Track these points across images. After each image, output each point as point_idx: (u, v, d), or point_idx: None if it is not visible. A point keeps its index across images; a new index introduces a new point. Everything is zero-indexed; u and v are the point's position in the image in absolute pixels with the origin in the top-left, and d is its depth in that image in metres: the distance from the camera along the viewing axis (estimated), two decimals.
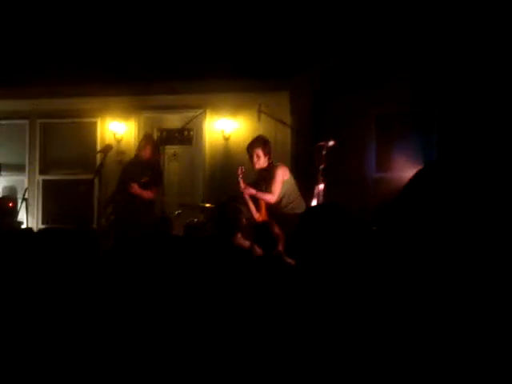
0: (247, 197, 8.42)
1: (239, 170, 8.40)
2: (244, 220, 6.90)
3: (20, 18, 12.88)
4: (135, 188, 8.81)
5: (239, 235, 6.61)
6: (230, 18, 11.91)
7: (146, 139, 9.59)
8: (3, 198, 11.54)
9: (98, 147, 11.69)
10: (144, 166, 9.09)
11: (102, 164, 9.10)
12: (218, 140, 12.02)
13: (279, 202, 8.24)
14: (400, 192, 2.43)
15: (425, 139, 11.08)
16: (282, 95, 11.45)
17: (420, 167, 2.56)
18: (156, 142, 9.66)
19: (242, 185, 8.39)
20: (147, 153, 9.14)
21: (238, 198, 10.00)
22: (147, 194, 8.94)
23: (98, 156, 10.12)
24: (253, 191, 8.39)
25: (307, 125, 11.20)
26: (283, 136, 11.32)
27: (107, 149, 9.50)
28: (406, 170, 8.37)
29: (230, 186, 10.93)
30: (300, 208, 8.07)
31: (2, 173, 12.84)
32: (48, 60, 12.49)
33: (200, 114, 11.89)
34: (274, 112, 10.80)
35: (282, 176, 8.32)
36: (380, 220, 3.32)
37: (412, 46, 10.82)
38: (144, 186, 9.01)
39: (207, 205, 10.10)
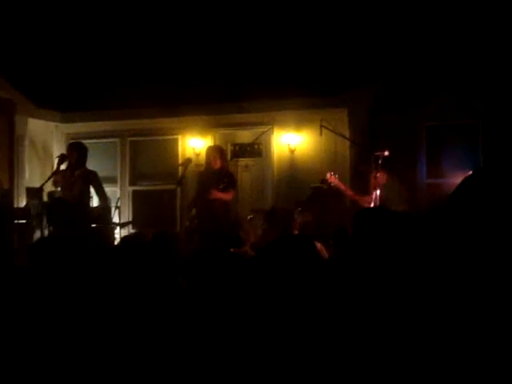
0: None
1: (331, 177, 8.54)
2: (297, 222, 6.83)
3: (110, 49, 13.22)
4: (215, 193, 8.79)
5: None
6: (291, 43, 12.02)
7: (213, 150, 9.37)
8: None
9: (180, 161, 11.85)
10: (218, 174, 9.02)
11: (183, 175, 9.25)
12: (284, 152, 12.11)
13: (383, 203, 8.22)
14: (450, 197, 2.43)
15: (471, 148, 10.98)
16: (341, 111, 11.49)
17: (468, 173, 2.55)
18: (222, 151, 9.45)
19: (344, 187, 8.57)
20: (217, 162, 9.03)
21: (303, 203, 10.10)
22: (226, 196, 8.91)
23: (180, 168, 10.28)
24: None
25: (364, 137, 11.20)
26: (343, 148, 11.40)
27: (187, 162, 9.61)
28: (454, 176, 8.31)
29: (296, 192, 11.05)
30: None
31: None
32: (136, 86, 12.78)
33: (268, 129, 12.01)
34: (334, 126, 10.85)
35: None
36: (431, 223, 3.29)
37: (458, 64, 10.73)
38: (222, 191, 8.96)
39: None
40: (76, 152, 8.90)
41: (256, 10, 12.47)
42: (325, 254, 6.12)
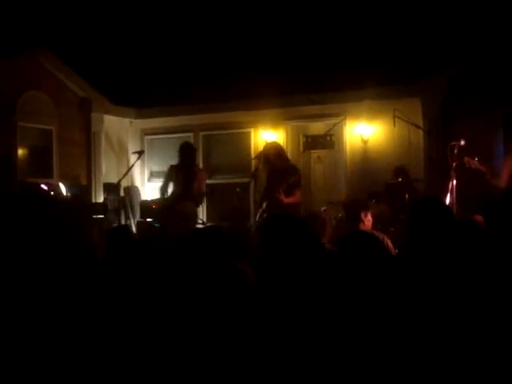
0: None
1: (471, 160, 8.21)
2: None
3: (183, 45, 13.41)
4: (281, 198, 8.56)
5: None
6: (362, 33, 11.93)
7: (270, 149, 9.09)
8: None
9: (253, 154, 11.89)
10: (281, 173, 8.72)
11: (256, 168, 9.20)
12: (357, 143, 12.02)
13: None
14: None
15: None
16: (414, 101, 11.31)
17: None
18: (279, 148, 9.14)
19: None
20: (277, 162, 8.77)
21: (377, 194, 10.00)
22: (292, 199, 8.67)
23: (253, 161, 10.31)
24: None
25: (438, 126, 11.01)
26: (417, 138, 11.22)
27: (261, 155, 9.55)
28: None
29: (370, 183, 10.96)
30: None
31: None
32: (209, 81, 12.94)
33: (340, 121, 11.92)
34: (408, 116, 10.67)
35: None
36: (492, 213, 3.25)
37: None
38: (287, 191, 8.70)
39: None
40: None
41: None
42: (391, 246, 6.04)
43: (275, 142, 9.64)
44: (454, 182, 8.21)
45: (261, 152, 9.66)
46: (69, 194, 10.38)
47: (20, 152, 11.29)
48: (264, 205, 9.06)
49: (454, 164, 8.19)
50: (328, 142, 12.30)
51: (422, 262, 3.12)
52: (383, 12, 11.99)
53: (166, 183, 9.37)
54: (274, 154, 8.68)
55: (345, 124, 12.06)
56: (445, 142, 8.88)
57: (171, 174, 9.28)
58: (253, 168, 9.94)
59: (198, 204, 9.26)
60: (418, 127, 10.75)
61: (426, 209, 3.35)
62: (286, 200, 8.42)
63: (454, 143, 8.30)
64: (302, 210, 9.24)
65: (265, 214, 9.16)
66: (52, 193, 9.91)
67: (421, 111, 11.34)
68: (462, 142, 8.25)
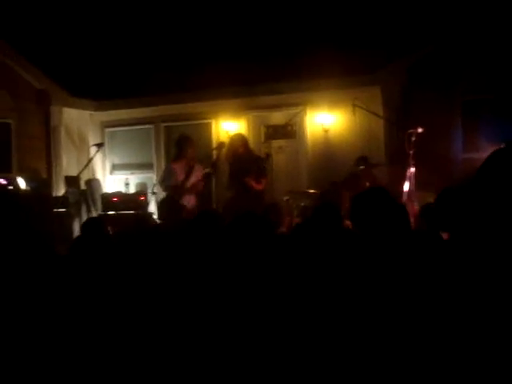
0: None
1: None
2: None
3: (140, 36, 13.31)
4: (253, 184, 8.88)
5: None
6: (322, 22, 11.96)
7: (238, 138, 9.46)
8: (136, 193, 11.91)
9: (214, 145, 11.90)
10: (250, 162, 9.07)
11: (217, 159, 9.32)
12: (318, 133, 12.06)
13: None
14: (478, 170, 2.41)
15: (507, 122, 10.79)
16: (374, 89, 11.37)
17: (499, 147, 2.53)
18: (245, 140, 9.51)
19: None
20: (244, 152, 9.17)
21: (339, 183, 10.07)
22: (258, 187, 9.00)
23: (214, 152, 10.33)
24: None
25: (398, 115, 11.10)
26: (377, 126, 11.30)
27: (221, 146, 9.75)
28: (490, 151, 8.20)
29: (332, 172, 11.01)
30: None
31: (135, 171, 13.33)
32: (169, 72, 12.88)
33: (301, 110, 11.96)
34: (368, 105, 10.78)
35: None
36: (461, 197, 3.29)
37: (492, 37, 10.55)
38: (255, 180, 9.02)
39: (311, 191, 10.19)
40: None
41: None
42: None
43: (241, 134, 9.92)
44: (412, 169, 8.32)
45: (221, 142, 9.87)
46: (28, 188, 10.27)
47: None
48: (230, 192, 9.19)
49: (412, 152, 8.31)
50: (289, 131, 12.33)
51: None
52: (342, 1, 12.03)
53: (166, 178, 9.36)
54: (241, 145, 8.99)
55: (305, 114, 12.08)
56: (404, 130, 8.98)
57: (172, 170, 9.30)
58: (213, 158, 9.99)
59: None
60: (378, 115, 10.84)
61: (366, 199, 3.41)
62: (256, 186, 8.68)
63: (411, 131, 8.42)
64: (266, 199, 9.40)
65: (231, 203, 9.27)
66: (10, 187, 9.80)
67: (381, 100, 11.41)
68: (420, 130, 8.36)
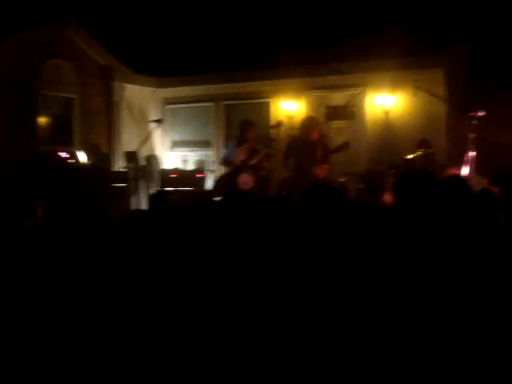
0: None
1: None
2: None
3: (204, 15, 13.37)
4: (316, 171, 8.80)
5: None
6: (384, 2, 11.79)
7: (311, 122, 9.37)
8: (194, 170, 12.01)
9: (271, 123, 11.90)
10: (313, 146, 8.99)
11: (272, 138, 9.37)
12: (378, 114, 11.93)
13: None
14: None
15: None
16: (437, 71, 11.18)
17: None
18: (318, 123, 9.44)
19: None
20: (315, 134, 9.06)
21: (398, 165, 9.94)
22: (321, 173, 8.91)
23: (271, 131, 10.33)
24: None
25: (460, 97, 10.87)
26: (437, 109, 11.09)
27: (279, 124, 9.77)
28: None
29: (391, 154, 10.88)
30: None
31: (193, 148, 13.45)
32: (230, 50, 12.92)
33: (361, 91, 11.85)
34: (429, 87, 10.60)
35: None
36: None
37: None
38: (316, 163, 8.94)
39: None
40: None
41: None
42: None
43: (313, 117, 9.89)
44: (472, 153, 8.15)
45: (279, 121, 9.88)
46: (88, 162, 10.47)
47: (41, 120, 11.39)
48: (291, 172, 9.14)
49: (472, 135, 8.13)
50: (349, 112, 12.23)
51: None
52: None
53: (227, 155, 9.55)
54: (314, 130, 8.92)
55: (365, 95, 11.97)
56: (466, 113, 8.78)
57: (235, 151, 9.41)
58: (270, 136, 10.01)
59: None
60: (440, 98, 10.65)
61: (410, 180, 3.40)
62: (320, 174, 8.64)
63: (472, 114, 8.23)
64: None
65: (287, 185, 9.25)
66: (71, 160, 10.01)
67: (443, 82, 11.21)
68: (481, 113, 8.17)
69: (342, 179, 10.11)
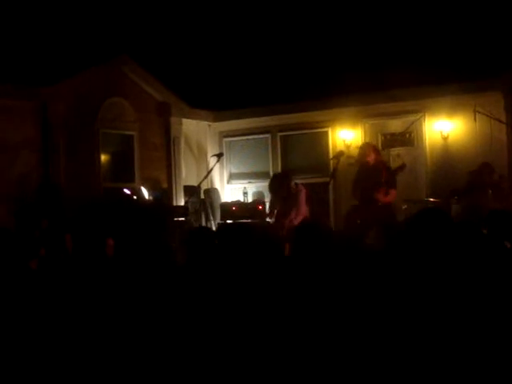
0: None
1: None
2: None
3: (257, 48, 13.55)
4: (378, 196, 8.68)
5: None
6: (440, 28, 11.78)
7: (368, 146, 9.34)
8: (254, 202, 12.09)
9: (331, 154, 11.92)
10: (373, 171, 8.89)
11: (335, 168, 9.26)
12: (437, 140, 11.86)
13: None
14: None
15: None
16: (496, 94, 11.06)
17: None
18: (374, 148, 9.36)
19: None
20: (372, 158, 8.98)
21: (459, 191, 9.85)
22: (386, 199, 8.76)
23: (331, 161, 10.33)
24: None
25: None
26: (499, 133, 10.98)
27: (339, 154, 9.62)
28: None
29: (451, 180, 10.80)
30: None
31: (252, 180, 13.54)
32: (284, 81, 13.04)
33: (419, 117, 11.79)
34: (489, 110, 10.51)
35: None
36: None
37: None
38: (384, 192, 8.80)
39: (431, 199, 10.03)
40: None
41: None
42: None
43: (369, 143, 9.85)
44: None
45: (340, 151, 9.81)
46: (150, 198, 10.65)
47: (103, 158, 11.64)
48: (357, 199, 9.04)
49: None
50: (407, 139, 12.20)
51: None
52: (463, 6, 11.78)
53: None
54: (369, 154, 8.86)
55: (424, 120, 11.92)
56: None
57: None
58: (331, 167, 10.01)
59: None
60: (500, 121, 10.55)
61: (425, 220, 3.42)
62: (384, 199, 8.52)
63: None
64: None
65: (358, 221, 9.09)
66: (135, 197, 10.19)
67: (503, 105, 11.10)
68: None
69: (403, 206, 10.05)
